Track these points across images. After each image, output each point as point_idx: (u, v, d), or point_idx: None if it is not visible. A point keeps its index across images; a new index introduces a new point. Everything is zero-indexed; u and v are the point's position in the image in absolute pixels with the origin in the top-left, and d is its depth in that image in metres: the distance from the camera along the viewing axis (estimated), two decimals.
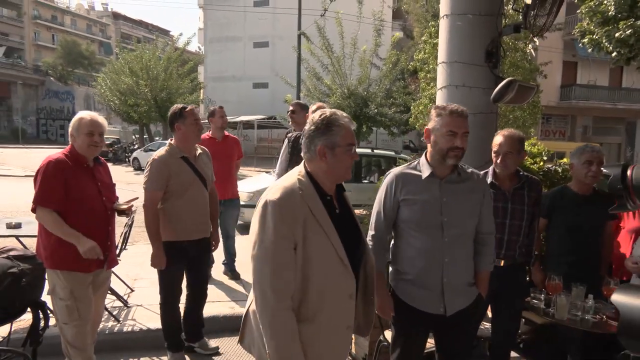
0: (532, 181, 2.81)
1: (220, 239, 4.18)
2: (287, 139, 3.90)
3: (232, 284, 4.74)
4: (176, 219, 3.04)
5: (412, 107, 11.42)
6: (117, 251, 3.44)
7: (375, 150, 10.08)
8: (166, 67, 22.06)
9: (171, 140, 3.15)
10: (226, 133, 4.83)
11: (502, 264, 2.69)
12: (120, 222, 3.22)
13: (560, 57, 21.92)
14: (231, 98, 27.23)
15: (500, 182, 2.74)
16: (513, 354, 3.44)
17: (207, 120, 4.65)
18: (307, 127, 1.73)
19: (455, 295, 2.11)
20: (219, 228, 4.02)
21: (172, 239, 3.05)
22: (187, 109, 3.07)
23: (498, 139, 2.74)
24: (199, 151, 3.26)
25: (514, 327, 2.88)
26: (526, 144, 4.29)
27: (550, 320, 2.66)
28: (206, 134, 4.65)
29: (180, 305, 3.28)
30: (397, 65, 14.53)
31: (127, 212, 2.94)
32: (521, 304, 2.77)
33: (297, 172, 1.74)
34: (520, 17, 3.18)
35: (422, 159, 2.18)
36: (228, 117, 5.03)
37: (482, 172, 2.73)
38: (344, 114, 1.75)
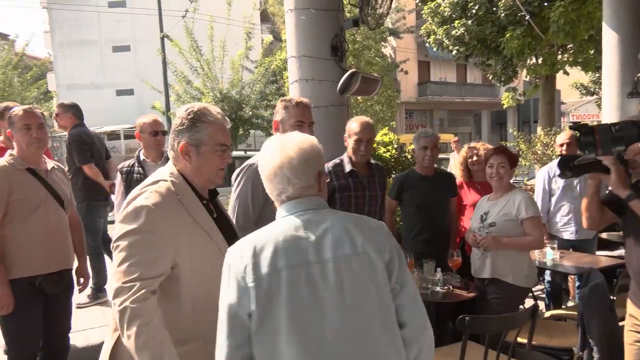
0: (379, 167, 2.93)
1: None
2: (119, 171, 3.18)
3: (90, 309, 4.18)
4: (25, 247, 2.42)
5: None
6: None
7: (248, 152, 9.99)
8: (4, 75, 19.11)
9: (12, 150, 2.53)
10: None
11: None
12: None
13: (415, 57, 24.20)
14: (92, 107, 24.53)
15: (358, 170, 2.72)
16: None
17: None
18: (174, 122, 1.59)
19: None
20: None
21: (21, 275, 2.40)
22: (14, 112, 2.44)
23: (355, 126, 2.67)
24: (52, 165, 2.65)
25: None
26: (379, 134, 4.59)
27: None
28: None
29: None
30: (269, 68, 14.61)
31: None
32: None
33: (168, 174, 1.56)
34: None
35: None
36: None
37: (331, 162, 2.79)
38: (218, 110, 1.58)
